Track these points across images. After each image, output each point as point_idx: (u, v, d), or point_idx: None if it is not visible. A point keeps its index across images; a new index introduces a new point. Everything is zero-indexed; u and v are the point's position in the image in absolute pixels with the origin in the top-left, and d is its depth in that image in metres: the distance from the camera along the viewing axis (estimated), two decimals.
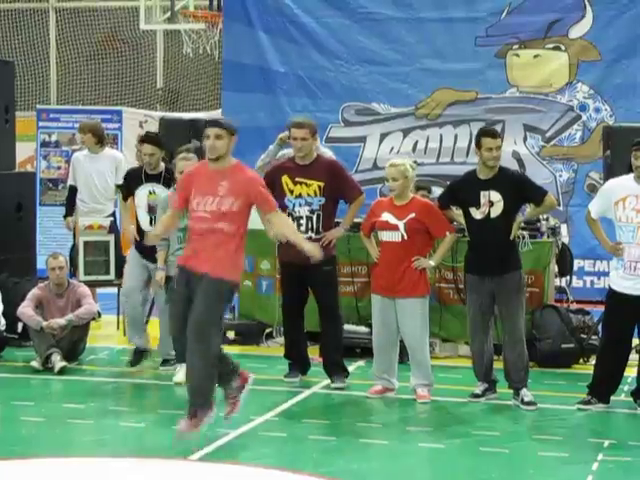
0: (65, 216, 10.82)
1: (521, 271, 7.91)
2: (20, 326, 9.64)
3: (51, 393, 8.45)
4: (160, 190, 8.93)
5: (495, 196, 7.75)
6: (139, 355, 9.00)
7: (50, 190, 14.22)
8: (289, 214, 8.22)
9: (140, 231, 8.95)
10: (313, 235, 8.25)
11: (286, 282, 8.52)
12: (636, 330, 7.76)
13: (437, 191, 12.03)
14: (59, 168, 14.17)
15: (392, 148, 13.12)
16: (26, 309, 9.14)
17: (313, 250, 6.92)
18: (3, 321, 9.51)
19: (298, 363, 8.56)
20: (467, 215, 7.90)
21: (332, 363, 8.47)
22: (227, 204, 6.61)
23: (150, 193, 8.96)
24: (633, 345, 7.88)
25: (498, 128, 12.71)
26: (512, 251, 7.86)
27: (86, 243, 10.13)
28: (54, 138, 14.41)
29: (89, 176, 10.63)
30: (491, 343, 7.97)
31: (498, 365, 7.97)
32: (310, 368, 8.61)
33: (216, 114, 14.04)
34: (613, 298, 7.71)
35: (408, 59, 13.04)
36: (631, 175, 7.64)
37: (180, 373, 8.54)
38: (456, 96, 12.97)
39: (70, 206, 10.74)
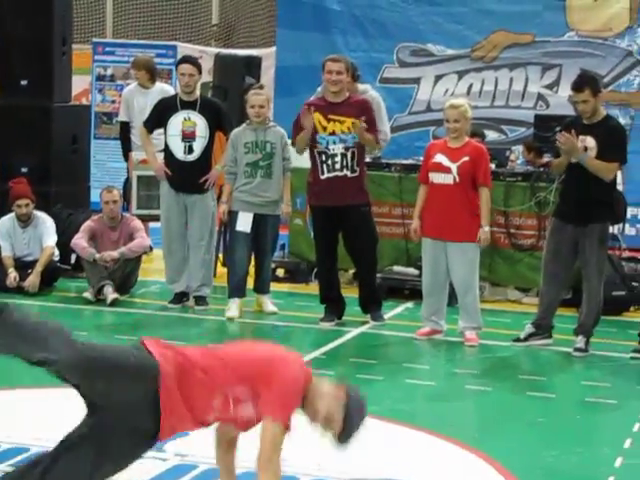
0: (126, 153, 10.73)
1: (606, 224, 7.73)
2: (73, 257, 9.79)
3: (103, 324, 8.58)
4: (196, 117, 8.80)
5: (590, 142, 7.60)
6: (179, 298, 9.02)
7: (104, 124, 14.30)
8: (322, 152, 8.22)
9: (173, 161, 8.84)
10: (349, 173, 8.24)
11: (319, 226, 8.43)
12: None
13: (491, 135, 11.98)
14: (113, 102, 14.22)
15: (446, 90, 12.98)
16: (80, 240, 9.26)
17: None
18: (57, 252, 9.65)
19: (334, 306, 8.50)
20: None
21: (368, 301, 8.50)
22: None
23: (185, 120, 8.80)
24: None
25: (555, 73, 12.63)
26: (599, 202, 7.59)
27: (139, 177, 10.18)
28: (109, 72, 14.46)
29: (143, 110, 10.61)
30: (560, 291, 7.94)
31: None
32: (345, 311, 8.55)
33: (270, 51, 13.98)
34: None
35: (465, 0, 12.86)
36: None
37: (233, 308, 8.62)
38: (513, 39, 12.77)
39: (128, 142, 10.70)
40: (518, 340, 7.95)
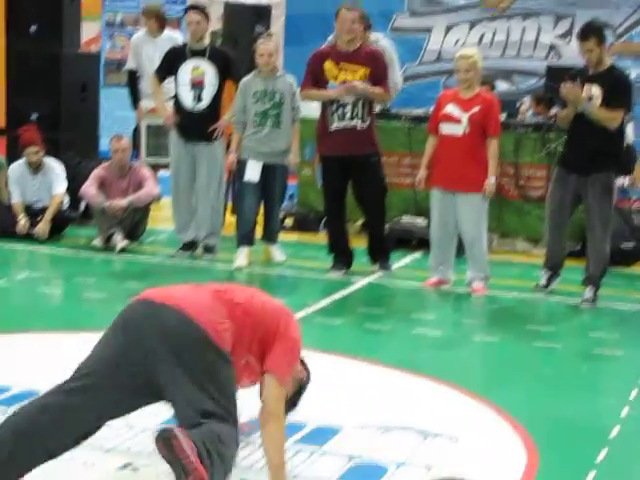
0: (134, 102, 10.67)
1: (610, 174, 7.65)
2: (83, 205, 9.81)
3: (112, 272, 8.61)
4: (205, 65, 8.75)
5: (596, 91, 7.55)
6: (188, 246, 9.03)
7: (113, 72, 14.23)
8: (333, 101, 8.16)
9: (182, 110, 8.80)
10: (359, 123, 8.19)
11: (328, 175, 8.39)
12: None
13: (501, 85, 11.92)
14: (123, 48, 14.15)
15: (457, 40, 12.92)
16: (89, 188, 9.26)
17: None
18: (66, 199, 9.66)
19: (342, 256, 8.50)
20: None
21: (377, 251, 8.50)
22: None
23: (194, 69, 8.77)
24: None
25: (567, 22, 12.53)
26: (603, 152, 7.56)
27: (149, 126, 10.16)
28: (119, 18, 14.37)
29: (152, 59, 10.56)
30: (565, 238, 7.93)
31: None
32: (353, 261, 8.54)
33: None
34: None
35: None
36: None
37: (241, 256, 8.63)
38: None
39: (137, 90, 10.64)
40: (540, 286, 7.93)
